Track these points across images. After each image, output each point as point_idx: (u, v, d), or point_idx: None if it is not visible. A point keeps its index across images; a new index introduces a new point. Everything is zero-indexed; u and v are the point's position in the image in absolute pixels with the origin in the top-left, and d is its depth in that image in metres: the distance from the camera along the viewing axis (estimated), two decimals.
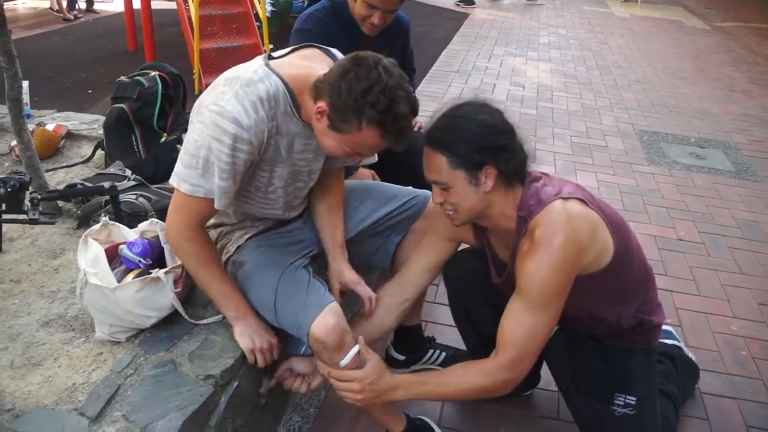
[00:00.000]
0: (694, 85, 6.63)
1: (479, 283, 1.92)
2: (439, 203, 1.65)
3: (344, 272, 1.89)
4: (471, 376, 1.63)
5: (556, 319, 1.59)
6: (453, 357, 2.27)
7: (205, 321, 1.85)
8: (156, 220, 1.96)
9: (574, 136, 4.77)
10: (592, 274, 1.61)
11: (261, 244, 1.86)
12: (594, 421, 1.84)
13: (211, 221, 1.92)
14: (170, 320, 1.85)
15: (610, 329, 1.77)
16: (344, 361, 1.68)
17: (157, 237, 1.89)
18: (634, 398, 1.77)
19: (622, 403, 1.77)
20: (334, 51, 1.77)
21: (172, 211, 1.68)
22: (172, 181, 1.63)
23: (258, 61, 1.62)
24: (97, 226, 1.90)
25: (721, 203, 3.90)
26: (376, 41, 2.46)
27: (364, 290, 1.88)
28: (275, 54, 1.70)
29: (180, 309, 1.80)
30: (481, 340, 2.04)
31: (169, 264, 1.83)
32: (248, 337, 1.75)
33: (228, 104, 1.51)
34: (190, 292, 1.95)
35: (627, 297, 1.75)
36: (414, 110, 1.54)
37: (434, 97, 5.39)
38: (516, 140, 1.61)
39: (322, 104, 1.53)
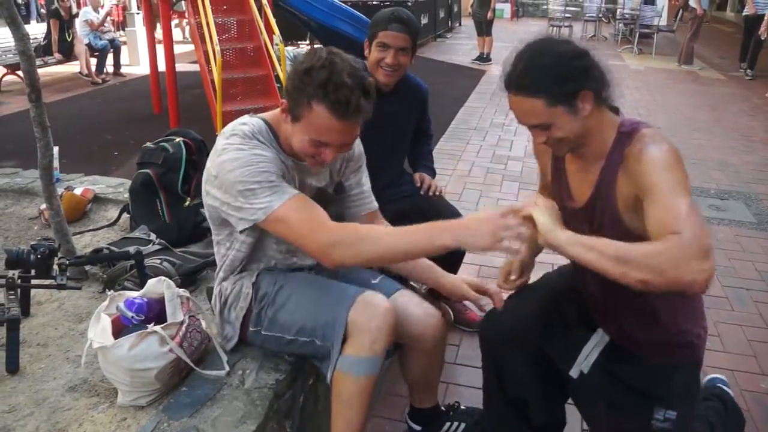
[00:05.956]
0: (711, 136, 6.64)
1: (520, 338, 1.87)
2: (542, 142, 1.61)
3: (460, 279, 1.99)
4: (649, 245, 1.40)
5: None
6: (476, 425, 2.23)
7: (209, 372, 1.88)
8: (163, 278, 2.00)
9: None
10: None
11: (278, 277, 1.88)
12: None
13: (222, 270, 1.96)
14: (192, 385, 1.87)
15: (656, 328, 1.72)
16: None
17: (162, 296, 1.93)
18: (675, 413, 1.72)
19: (662, 418, 1.72)
20: None
21: (301, 236, 1.63)
22: (246, 222, 1.67)
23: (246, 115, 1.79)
24: (106, 302, 1.95)
25: (744, 256, 3.86)
26: (397, 100, 2.54)
27: (492, 287, 1.91)
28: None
29: (181, 354, 1.83)
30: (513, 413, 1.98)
31: (169, 320, 1.87)
32: (486, 241, 1.53)
33: (225, 146, 1.67)
34: (202, 356, 1.98)
35: None
36: (360, 83, 1.56)
37: (453, 154, 5.46)
38: (594, 59, 1.59)
39: (283, 100, 1.65)
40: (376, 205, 2.05)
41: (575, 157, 1.70)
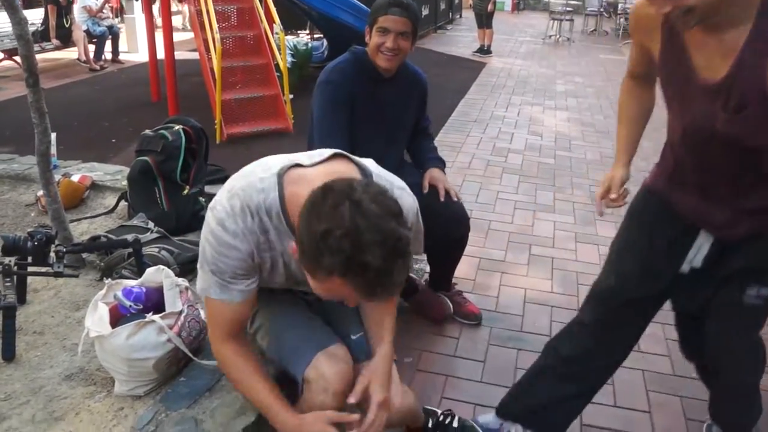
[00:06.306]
0: None
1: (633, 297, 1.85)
2: (665, 12, 1.45)
3: (372, 378, 1.61)
4: None
5: None
6: None
7: (208, 362, 1.85)
8: (162, 267, 1.98)
9: (593, 186, 4.76)
10: None
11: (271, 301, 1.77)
12: (718, 309, 1.79)
13: None
14: (191, 376, 1.85)
15: None
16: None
17: (160, 285, 1.91)
18: None
19: (755, 294, 1.71)
20: (367, 165, 1.57)
21: (210, 332, 1.61)
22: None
23: (278, 166, 1.47)
24: (103, 291, 1.93)
25: None
26: (397, 87, 2.52)
27: (370, 417, 1.56)
28: (307, 162, 1.50)
29: (179, 344, 1.82)
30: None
31: (168, 310, 1.85)
32: None
33: (220, 204, 1.45)
34: (200, 346, 1.96)
35: None
36: (393, 247, 1.18)
37: (453, 146, 5.44)
38: None
39: (293, 243, 1.31)
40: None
41: (700, 29, 1.52)
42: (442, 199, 2.55)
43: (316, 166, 1.48)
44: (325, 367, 1.56)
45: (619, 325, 1.91)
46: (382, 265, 1.16)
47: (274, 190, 1.42)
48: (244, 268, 1.47)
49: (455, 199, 2.58)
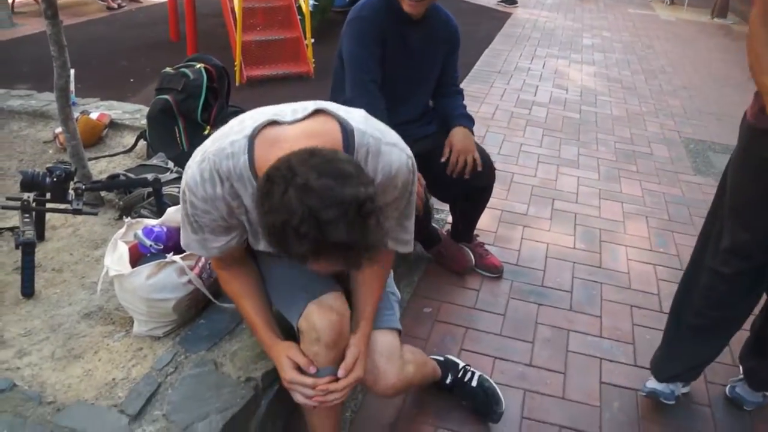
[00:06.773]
0: (743, 93, 6.42)
1: None
2: None
3: (354, 345, 1.56)
4: None
5: None
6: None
7: (228, 305, 1.82)
8: None
9: (618, 142, 4.66)
10: None
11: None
12: None
13: None
14: (211, 318, 1.83)
15: None
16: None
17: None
18: None
19: None
20: (349, 121, 1.41)
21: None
22: None
23: (252, 126, 1.36)
24: (123, 229, 1.90)
25: None
26: (425, 29, 2.44)
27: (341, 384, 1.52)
28: (289, 117, 1.38)
29: (200, 286, 1.79)
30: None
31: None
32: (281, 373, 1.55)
33: (191, 168, 1.39)
34: (221, 289, 1.92)
35: None
36: (362, 216, 1.12)
37: (476, 97, 5.31)
38: None
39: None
40: None
41: None
42: (448, 173, 2.44)
43: (295, 125, 1.36)
44: (315, 318, 1.50)
45: (759, 274, 1.93)
46: (352, 235, 1.11)
47: (244, 153, 1.33)
48: (221, 226, 1.45)
49: (466, 176, 2.45)
